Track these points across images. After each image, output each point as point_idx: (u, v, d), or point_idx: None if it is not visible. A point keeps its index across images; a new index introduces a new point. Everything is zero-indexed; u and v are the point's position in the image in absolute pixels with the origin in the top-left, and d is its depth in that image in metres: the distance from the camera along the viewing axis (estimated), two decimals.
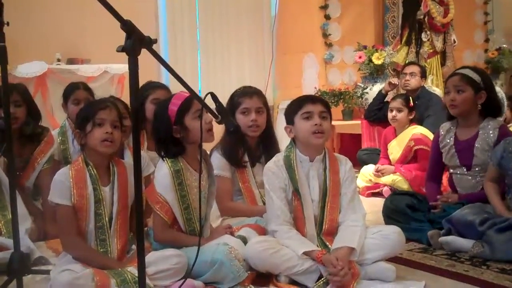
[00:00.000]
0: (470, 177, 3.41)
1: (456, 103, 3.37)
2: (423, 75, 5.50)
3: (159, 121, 2.69)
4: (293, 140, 2.79)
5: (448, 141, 3.50)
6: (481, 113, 3.38)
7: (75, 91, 3.80)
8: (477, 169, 3.38)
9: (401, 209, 3.37)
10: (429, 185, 3.64)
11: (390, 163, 4.83)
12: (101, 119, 2.57)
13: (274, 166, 2.75)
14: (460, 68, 3.56)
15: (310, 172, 2.74)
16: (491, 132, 3.33)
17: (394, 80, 5.66)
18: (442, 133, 3.56)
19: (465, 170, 3.44)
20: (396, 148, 4.80)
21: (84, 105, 2.86)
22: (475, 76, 3.37)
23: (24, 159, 3.43)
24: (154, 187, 2.64)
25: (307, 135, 2.70)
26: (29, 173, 3.45)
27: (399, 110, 4.76)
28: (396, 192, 3.95)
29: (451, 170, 3.55)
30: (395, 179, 4.61)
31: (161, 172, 2.65)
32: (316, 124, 2.67)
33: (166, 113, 2.64)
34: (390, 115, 4.83)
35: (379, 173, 4.77)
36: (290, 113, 2.77)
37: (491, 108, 3.39)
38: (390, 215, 3.43)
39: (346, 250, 2.52)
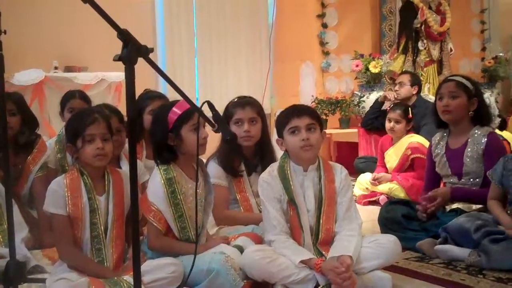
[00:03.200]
0: (463, 186, 3.41)
1: (450, 108, 3.39)
2: (414, 82, 5.50)
3: (156, 125, 2.70)
4: (286, 151, 2.79)
5: (440, 150, 3.52)
6: (471, 121, 3.41)
7: (70, 100, 3.81)
8: (468, 177, 3.39)
9: (397, 219, 3.37)
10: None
11: (386, 172, 4.83)
12: (91, 135, 2.55)
13: (269, 176, 2.74)
14: (452, 76, 3.59)
15: (304, 182, 2.73)
16: (480, 139, 3.35)
17: (390, 96, 5.67)
18: (434, 143, 3.59)
19: (456, 179, 3.45)
20: (393, 157, 4.81)
21: (72, 118, 2.78)
22: (468, 83, 3.42)
23: (18, 168, 3.41)
24: (146, 196, 2.64)
25: (296, 150, 2.69)
26: (23, 182, 3.43)
27: (397, 122, 4.77)
28: (391, 201, 3.93)
29: (445, 180, 3.56)
30: (392, 187, 4.62)
31: (153, 181, 2.66)
32: (303, 139, 2.66)
33: (165, 119, 2.65)
34: (388, 125, 4.83)
35: (376, 181, 4.77)
36: (279, 127, 2.77)
37: (482, 116, 3.42)
38: (386, 224, 3.45)
39: (344, 257, 2.50)
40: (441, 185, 3.72)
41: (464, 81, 3.43)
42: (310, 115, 2.73)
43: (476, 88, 3.43)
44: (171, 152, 2.67)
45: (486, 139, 3.33)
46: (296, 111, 2.75)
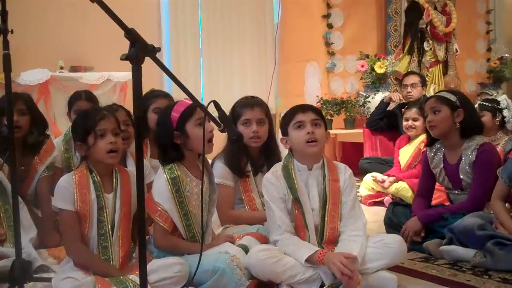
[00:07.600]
0: (466, 195, 3.36)
1: (434, 123, 3.35)
2: (424, 83, 5.51)
3: (161, 126, 2.72)
4: (291, 150, 2.79)
5: (438, 164, 3.48)
6: (463, 134, 3.35)
7: (77, 101, 3.81)
8: (469, 189, 3.34)
9: (402, 224, 3.35)
10: (418, 200, 3.54)
11: (400, 170, 4.83)
12: (103, 130, 2.56)
13: (273, 176, 2.74)
14: (436, 93, 3.54)
15: (309, 180, 2.73)
16: (471, 152, 3.30)
17: (395, 97, 5.66)
18: (431, 154, 3.52)
19: (459, 190, 3.43)
20: (406, 151, 4.81)
21: (79, 116, 2.78)
22: (450, 96, 3.37)
23: (26, 168, 3.40)
24: (152, 196, 2.65)
25: (301, 145, 2.70)
26: (29, 182, 3.43)
27: (415, 119, 4.76)
28: (397, 203, 3.88)
29: (448, 191, 3.54)
30: (399, 187, 4.59)
31: (158, 181, 2.67)
32: (308, 133, 2.67)
33: (168, 118, 2.66)
34: (406, 124, 4.80)
35: (383, 184, 4.72)
36: (284, 125, 2.78)
37: (471, 127, 3.35)
38: (392, 225, 3.45)
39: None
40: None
41: (445, 94, 3.40)
42: (315, 112, 2.76)
43: (461, 99, 3.37)
44: (178, 151, 2.67)
45: (476, 152, 3.29)
46: (301, 107, 2.79)
